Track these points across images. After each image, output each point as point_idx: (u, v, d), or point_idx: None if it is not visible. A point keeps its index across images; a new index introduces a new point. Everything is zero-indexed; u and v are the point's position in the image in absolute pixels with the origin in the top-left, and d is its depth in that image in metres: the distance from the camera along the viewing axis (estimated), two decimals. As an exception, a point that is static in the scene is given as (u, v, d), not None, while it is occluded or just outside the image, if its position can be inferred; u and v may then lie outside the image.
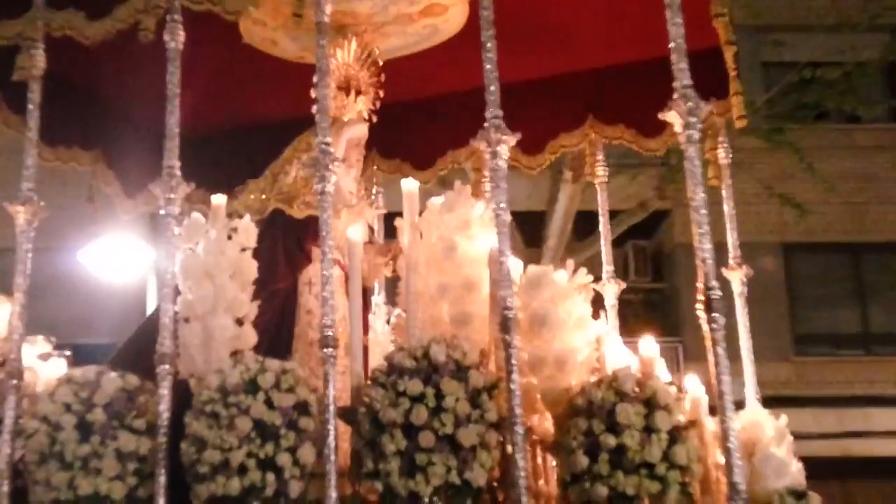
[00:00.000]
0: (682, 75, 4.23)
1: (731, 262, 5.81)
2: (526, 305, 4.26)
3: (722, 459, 4.04)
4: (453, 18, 5.76)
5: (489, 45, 4.50)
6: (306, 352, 5.21)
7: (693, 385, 4.30)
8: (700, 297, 4.00)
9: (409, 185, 4.75)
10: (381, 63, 5.70)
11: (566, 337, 4.26)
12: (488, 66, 4.47)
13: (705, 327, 3.97)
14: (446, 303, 4.51)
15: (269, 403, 4.21)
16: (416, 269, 4.56)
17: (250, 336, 4.75)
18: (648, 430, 3.89)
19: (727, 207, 5.93)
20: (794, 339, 17.35)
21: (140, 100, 6.44)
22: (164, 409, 4.41)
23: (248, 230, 4.83)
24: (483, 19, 4.55)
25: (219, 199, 4.96)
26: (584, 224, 13.64)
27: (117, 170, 6.50)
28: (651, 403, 3.93)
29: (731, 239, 5.85)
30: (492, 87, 4.44)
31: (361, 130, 5.58)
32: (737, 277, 5.71)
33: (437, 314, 4.61)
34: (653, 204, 13.95)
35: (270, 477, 4.14)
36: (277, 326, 5.15)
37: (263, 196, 5.39)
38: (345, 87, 5.58)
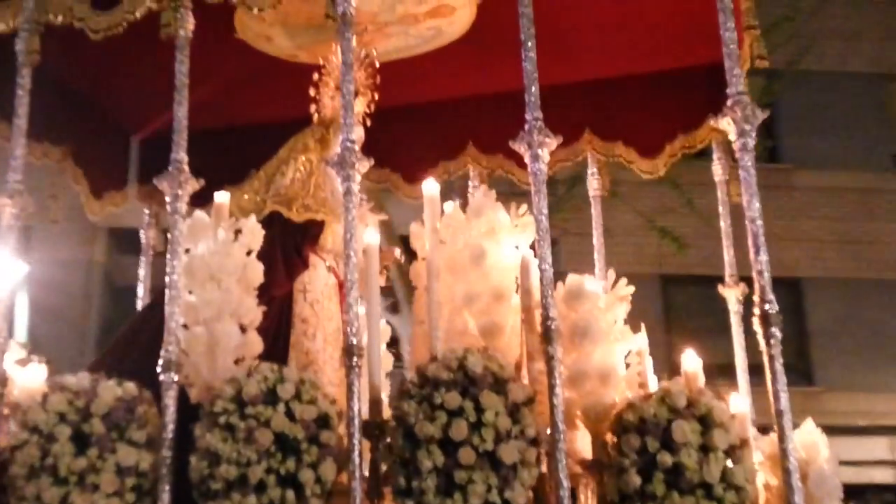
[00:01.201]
0: (737, 81, 4.09)
1: (727, 280, 5.72)
2: (564, 316, 4.06)
3: (771, 480, 3.90)
4: (459, 21, 5.56)
5: (529, 43, 4.33)
6: (303, 362, 4.93)
7: (738, 402, 4.14)
8: (756, 310, 3.86)
9: (431, 188, 4.51)
10: (377, 65, 5.44)
11: (608, 350, 4.07)
12: (528, 67, 4.29)
13: (762, 342, 3.82)
14: (473, 312, 4.28)
15: (289, 415, 3.93)
16: (439, 277, 4.32)
17: (256, 344, 4.45)
18: (704, 448, 3.71)
19: (724, 224, 5.85)
20: (670, 367, 17.60)
21: (114, 96, 6.14)
22: (169, 420, 4.10)
23: (254, 232, 4.54)
24: (524, 16, 4.37)
25: (222, 198, 4.66)
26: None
27: (86, 168, 6.12)
28: (706, 421, 3.76)
29: (728, 257, 5.77)
30: (532, 89, 4.25)
31: (358, 133, 5.30)
32: (733, 295, 5.62)
33: (459, 324, 4.38)
34: (540, 233, 14.02)
35: (290, 494, 3.87)
36: (274, 336, 4.84)
37: (258, 198, 5.09)
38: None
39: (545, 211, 4.09)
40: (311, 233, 5.03)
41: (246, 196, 5.10)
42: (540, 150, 4.15)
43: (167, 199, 4.37)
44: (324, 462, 3.92)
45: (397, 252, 5.35)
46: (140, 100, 6.23)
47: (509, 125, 6.25)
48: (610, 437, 3.91)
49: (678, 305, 17.93)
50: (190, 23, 4.53)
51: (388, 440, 3.99)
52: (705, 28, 5.71)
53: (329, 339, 5.06)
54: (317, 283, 5.08)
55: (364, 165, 4.25)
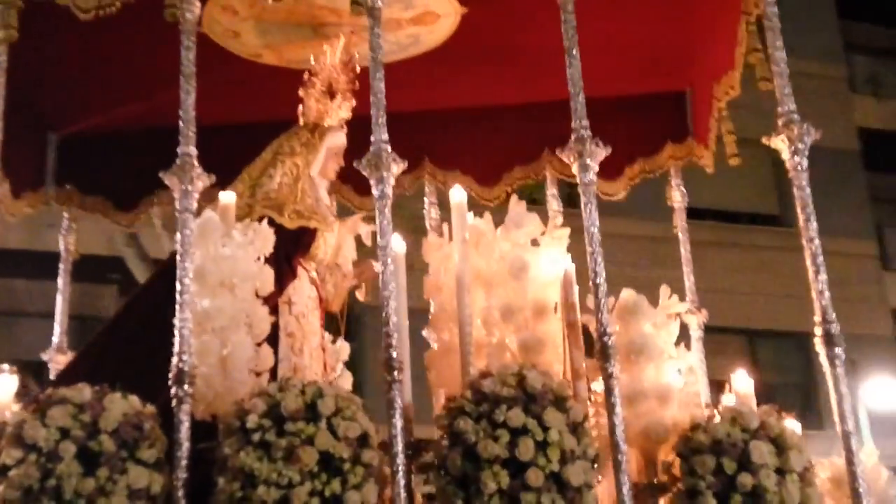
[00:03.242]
0: (788, 100, 4.04)
1: (689, 306, 5.69)
2: (618, 333, 3.88)
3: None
4: (439, 30, 5.36)
5: (574, 51, 4.16)
6: (291, 379, 4.56)
7: (792, 424, 4.05)
8: (817, 331, 3.79)
9: (459, 195, 4.26)
10: (358, 70, 5.15)
11: (664, 368, 3.93)
12: (574, 74, 4.12)
13: (825, 363, 3.76)
14: (512, 327, 4.06)
15: (332, 433, 3.61)
16: (470, 290, 4.08)
17: (268, 357, 4.12)
18: (780, 470, 3.60)
19: (684, 251, 5.84)
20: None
21: (35, 87, 5.60)
22: (183, 438, 3.71)
23: (265, 236, 4.20)
24: (566, 23, 4.18)
25: (227, 198, 4.29)
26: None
27: (5, 164, 5.55)
28: (778, 443, 3.65)
29: (689, 283, 5.74)
30: (579, 97, 4.07)
31: (341, 139, 5.04)
32: (695, 322, 5.60)
33: (487, 339, 4.16)
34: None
35: (335, 518, 3.54)
36: (263, 350, 4.47)
37: (244, 201, 4.70)
38: (329, 92, 5.04)
39: (597, 223, 3.95)
40: (303, 241, 4.71)
41: (232, 199, 4.69)
42: (590, 160, 3.97)
43: (175, 195, 3.96)
44: (367, 484, 3.61)
45: (377, 266, 5.04)
46: (63, 94, 5.77)
47: (468, 141, 6.18)
48: (673, 459, 3.74)
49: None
50: (196, 6, 4.18)
51: (436, 460, 3.72)
52: (669, 55, 5.78)
53: (314, 355, 4.74)
54: (301, 295, 4.76)
55: (400, 167, 4.00)
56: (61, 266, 5.99)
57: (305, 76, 5.04)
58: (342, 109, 5.06)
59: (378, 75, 4.10)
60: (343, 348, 5.09)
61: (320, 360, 4.79)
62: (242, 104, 5.65)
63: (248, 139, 5.23)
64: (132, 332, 4.50)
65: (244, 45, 5.39)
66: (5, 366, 4.22)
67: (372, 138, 4.01)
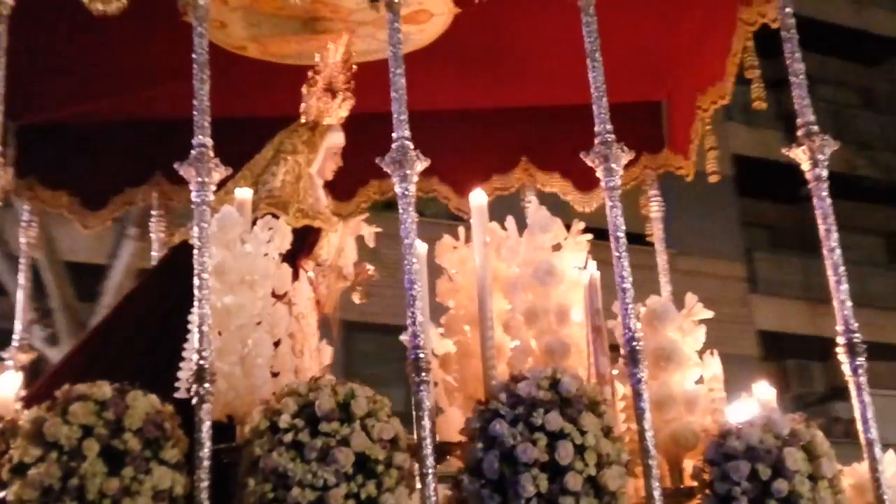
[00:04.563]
0: (806, 112, 4.09)
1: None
2: (645, 338, 3.88)
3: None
4: (430, 29, 5.32)
5: (597, 55, 4.14)
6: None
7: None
8: (840, 339, 3.85)
9: (478, 198, 4.23)
10: (355, 67, 5.09)
11: (690, 375, 3.95)
12: (597, 78, 4.10)
13: (846, 372, 3.82)
14: (535, 331, 4.03)
15: (366, 434, 3.54)
16: (492, 293, 4.06)
17: (286, 357, 4.02)
18: (811, 477, 3.64)
19: (660, 261, 5.88)
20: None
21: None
22: (205, 438, 3.58)
23: (283, 234, 4.11)
24: (587, 26, 4.17)
25: (243, 194, 4.18)
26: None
27: None
28: (809, 449, 3.69)
29: (665, 293, 5.79)
30: (602, 101, 4.07)
31: (340, 139, 4.97)
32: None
33: (505, 343, 4.14)
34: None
35: (369, 521, 3.46)
36: (265, 352, 4.36)
37: (245, 197, 4.59)
38: (329, 90, 4.96)
39: (623, 227, 3.94)
40: (307, 241, 4.62)
41: (230, 195, 4.57)
42: (614, 164, 3.97)
43: (191, 187, 3.82)
44: (399, 487, 3.55)
45: (370, 269, 5.00)
46: (25, 79, 5.55)
47: (447, 146, 6.12)
48: (704, 464, 3.76)
49: (359, 352, 18.07)
50: None
51: (468, 464, 3.68)
52: (651, 65, 5.82)
53: (312, 357, 4.65)
54: (301, 296, 4.66)
55: (422, 165, 3.95)
56: (21, 261, 5.76)
57: (310, 74, 4.95)
58: (342, 108, 4.99)
59: (398, 70, 4.03)
60: (325, 350, 4.99)
61: (318, 362, 4.70)
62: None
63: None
64: (131, 329, 4.36)
65: (229, 37, 5.28)
66: (10, 362, 4.03)
67: (394, 135, 3.94)
